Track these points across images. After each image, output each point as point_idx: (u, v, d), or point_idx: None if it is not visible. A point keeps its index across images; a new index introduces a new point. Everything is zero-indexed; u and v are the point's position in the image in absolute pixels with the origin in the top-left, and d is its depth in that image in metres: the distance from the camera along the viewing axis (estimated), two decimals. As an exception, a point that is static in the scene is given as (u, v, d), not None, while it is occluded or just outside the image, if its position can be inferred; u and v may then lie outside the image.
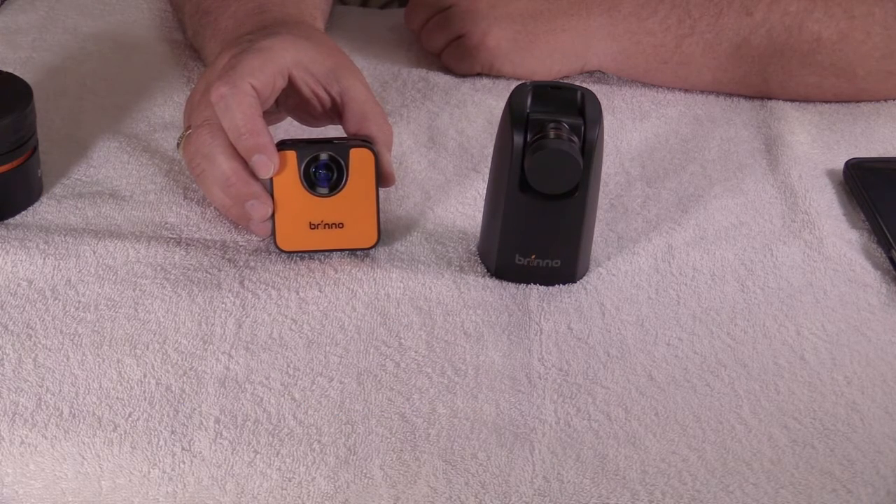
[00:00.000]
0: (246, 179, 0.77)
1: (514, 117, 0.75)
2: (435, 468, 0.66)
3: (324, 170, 0.77)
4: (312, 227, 0.79)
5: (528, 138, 0.74)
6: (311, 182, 0.77)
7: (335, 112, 0.82)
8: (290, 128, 0.87)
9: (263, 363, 0.72)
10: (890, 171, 0.90)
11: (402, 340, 0.74)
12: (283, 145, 0.78)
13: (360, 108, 0.81)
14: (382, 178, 0.80)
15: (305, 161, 0.77)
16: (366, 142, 0.79)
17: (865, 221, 0.86)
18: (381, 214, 0.83)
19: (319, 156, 0.77)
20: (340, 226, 0.79)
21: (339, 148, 0.77)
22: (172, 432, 0.67)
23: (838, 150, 0.93)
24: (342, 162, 0.77)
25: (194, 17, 0.96)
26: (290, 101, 0.83)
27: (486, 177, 0.79)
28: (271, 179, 0.77)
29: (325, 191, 0.78)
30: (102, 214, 0.83)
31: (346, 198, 0.78)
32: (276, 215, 0.78)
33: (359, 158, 0.77)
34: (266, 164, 0.76)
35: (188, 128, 0.81)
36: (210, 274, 0.78)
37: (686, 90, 1.00)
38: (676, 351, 0.74)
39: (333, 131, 0.84)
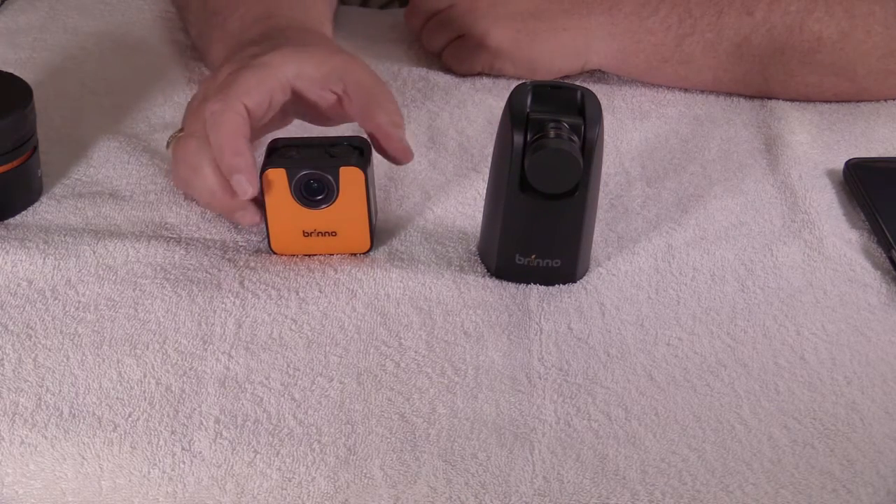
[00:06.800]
0: (232, 192, 0.77)
1: (514, 117, 0.74)
2: (435, 468, 0.66)
3: (314, 188, 0.77)
4: (306, 234, 0.79)
5: (528, 138, 0.74)
6: (301, 197, 0.77)
7: (344, 109, 0.82)
8: (291, 128, 0.87)
9: (263, 363, 0.72)
10: (890, 171, 0.90)
11: (402, 340, 0.74)
12: (272, 154, 0.78)
13: (364, 94, 0.81)
14: (396, 156, 0.80)
15: (294, 180, 0.77)
16: (359, 147, 0.78)
17: (865, 221, 0.86)
18: (381, 214, 0.83)
19: (309, 176, 0.77)
20: (333, 234, 0.79)
21: (329, 167, 0.77)
22: (172, 432, 0.67)
23: (838, 150, 0.93)
24: (332, 180, 0.77)
25: (201, 16, 0.96)
26: (299, 108, 0.83)
27: (486, 177, 0.79)
28: (262, 190, 0.77)
29: (315, 206, 0.78)
30: (102, 214, 0.83)
31: (338, 210, 0.78)
32: (270, 224, 0.78)
33: (348, 175, 0.77)
34: (244, 185, 0.75)
35: (181, 130, 0.82)
36: (210, 274, 0.78)
37: (686, 90, 1.00)
38: (676, 351, 0.74)
39: (335, 130, 0.84)
